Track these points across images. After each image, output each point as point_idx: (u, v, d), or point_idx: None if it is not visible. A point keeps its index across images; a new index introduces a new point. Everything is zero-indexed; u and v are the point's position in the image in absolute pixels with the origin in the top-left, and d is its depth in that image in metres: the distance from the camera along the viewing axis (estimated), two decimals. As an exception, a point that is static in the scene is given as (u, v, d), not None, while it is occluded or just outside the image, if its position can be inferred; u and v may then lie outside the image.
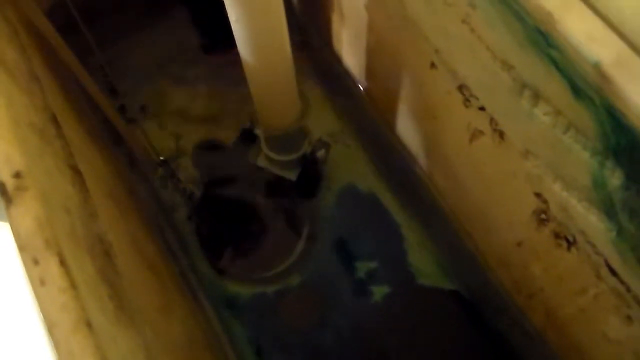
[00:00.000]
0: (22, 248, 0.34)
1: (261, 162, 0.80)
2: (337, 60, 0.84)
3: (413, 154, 0.74)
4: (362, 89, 0.80)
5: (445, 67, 0.55)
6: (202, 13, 0.86)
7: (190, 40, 0.94)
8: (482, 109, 0.52)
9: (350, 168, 0.85)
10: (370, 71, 0.76)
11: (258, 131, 0.79)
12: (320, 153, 0.80)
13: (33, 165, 0.39)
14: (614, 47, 0.36)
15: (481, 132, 0.54)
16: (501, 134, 0.51)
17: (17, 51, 0.54)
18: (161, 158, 0.79)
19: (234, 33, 0.58)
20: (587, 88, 0.38)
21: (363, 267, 0.80)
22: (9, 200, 0.36)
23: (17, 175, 0.36)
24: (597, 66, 0.36)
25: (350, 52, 0.80)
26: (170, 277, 0.71)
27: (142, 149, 0.85)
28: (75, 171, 0.51)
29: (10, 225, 0.36)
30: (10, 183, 0.36)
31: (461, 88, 0.54)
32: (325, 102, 0.88)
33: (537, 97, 0.44)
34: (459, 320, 0.77)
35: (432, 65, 0.57)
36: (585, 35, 0.37)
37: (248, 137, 0.81)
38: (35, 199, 0.36)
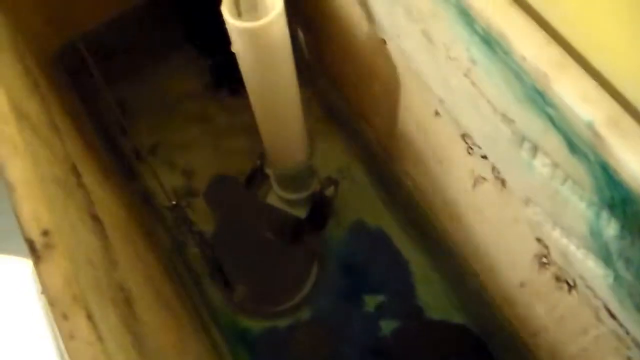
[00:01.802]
0: (52, 303, 0.36)
1: (272, 200, 0.83)
2: (345, 100, 0.86)
3: (419, 192, 0.76)
4: (368, 127, 0.82)
5: (449, 116, 0.57)
6: (212, 53, 0.88)
7: (200, 78, 0.96)
8: (484, 157, 0.54)
9: (358, 204, 0.87)
10: (376, 113, 0.78)
11: (268, 170, 0.81)
12: (329, 191, 0.82)
13: (59, 221, 0.41)
14: (606, 107, 0.38)
15: (484, 179, 0.56)
16: (503, 182, 0.53)
17: (38, 102, 0.56)
18: (173, 202, 0.81)
19: (244, 80, 0.60)
20: (582, 145, 0.40)
21: (372, 301, 0.81)
22: (37, 258, 0.38)
23: (45, 233, 0.39)
24: (590, 125, 0.38)
25: (357, 93, 0.82)
26: (184, 313, 0.73)
27: (154, 188, 0.86)
28: (96, 220, 0.53)
29: (39, 280, 0.38)
30: (38, 241, 0.38)
31: (464, 137, 0.56)
32: (332, 139, 0.90)
33: (536, 149, 0.46)
34: (466, 354, 0.78)
35: (436, 113, 0.59)
36: (579, 95, 0.39)
37: (258, 176, 0.83)
38: (63, 256, 0.38)
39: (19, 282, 0.76)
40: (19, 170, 0.41)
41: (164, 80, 0.97)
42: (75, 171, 0.54)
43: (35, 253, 0.38)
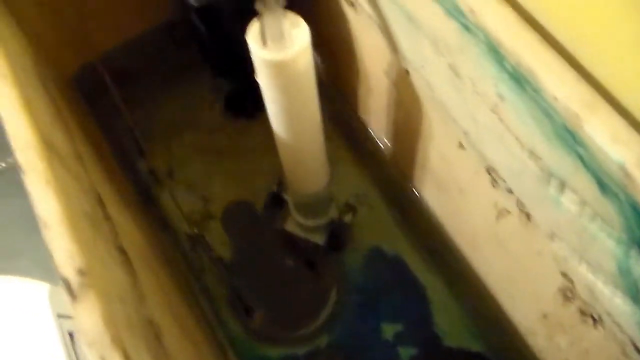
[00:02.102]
0: (90, 344, 0.37)
1: (290, 226, 0.83)
2: (363, 125, 0.86)
3: (439, 220, 0.76)
4: (387, 154, 0.83)
5: (474, 149, 0.57)
6: (229, 77, 0.88)
7: (218, 101, 0.96)
8: (509, 191, 0.54)
9: (376, 230, 0.87)
10: (397, 140, 0.78)
11: (286, 196, 0.81)
12: (347, 217, 0.82)
13: (91, 258, 0.41)
14: (637, 148, 0.38)
15: (508, 212, 0.56)
16: (528, 216, 0.53)
17: (63, 131, 0.56)
18: (195, 231, 0.81)
19: (267, 109, 0.60)
20: (612, 185, 0.40)
21: (390, 329, 0.81)
22: (74, 297, 0.38)
23: (81, 272, 0.39)
24: (621, 166, 0.38)
25: (377, 121, 0.82)
26: (202, 339, 0.73)
27: (172, 212, 0.87)
28: (122, 252, 0.53)
29: (76, 320, 0.38)
30: (74, 280, 0.38)
31: (489, 170, 0.56)
32: (351, 165, 0.90)
33: (563, 186, 0.46)
34: (484, 382, 0.78)
35: (460, 145, 0.59)
36: (610, 136, 0.39)
37: (276, 201, 0.83)
38: (98, 295, 0.38)
39: (35, 304, 0.76)
40: (51, 207, 0.41)
41: (181, 102, 0.98)
42: (100, 202, 0.54)
43: (71, 293, 0.38)
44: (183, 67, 0.95)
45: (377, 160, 0.86)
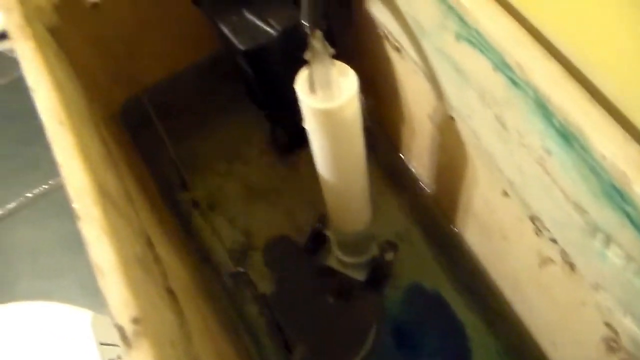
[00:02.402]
0: (143, 394, 0.38)
1: (331, 262, 0.83)
2: (405, 165, 0.87)
3: (480, 260, 0.77)
4: (430, 193, 0.83)
5: (518, 198, 0.57)
6: (274, 115, 0.89)
7: (261, 136, 0.97)
8: (553, 240, 0.55)
9: (416, 266, 0.87)
10: (439, 181, 0.78)
11: (328, 232, 0.82)
12: (389, 255, 0.83)
13: (145, 305, 0.42)
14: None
15: (552, 261, 0.57)
16: (572, 266, 0.54)
17: (114, 173, 0.57)
18: (240, 269, 0.82)
19: (313, 152, 0.61)
20: (659, 243, 0.40)
21: (428, 365, 0.81)
22: (128, 345, 0.39)
23: (135, 321, 0.40)
24: (670, 227, 0.38)
25: (420, 161, 0.82)
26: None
27: (213, 246, 0.88)
28: (170, 293, 0.54)
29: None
30: (129, 328, 0.39)
31: (533, 219, 0.56)
32: (392, 202, 0.90)
33: (609, 240, 0.46)
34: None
35: (505, 193, 0.59)
36: (659, 197, 0.39)
37: (318, 238, 0.84)
38: (152, 344, 0.39)
39: (78, 331, 0.77)
40: (106, 255, 0.42)
41: (225, 136, 0.99)
42: (150, 243, 0.55)
43: (126, 341, 0.39)
44: (227, 102, 0.97)
45: (419, 199, 0.86)
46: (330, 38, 0.52)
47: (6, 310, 0.80)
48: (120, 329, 0.39)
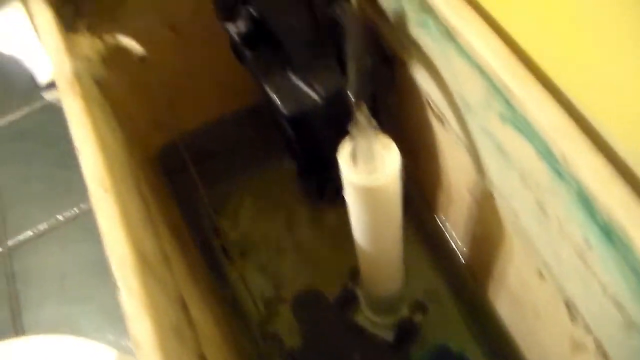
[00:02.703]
0: None
1: (360, 320, 0.83)
2: (440, 227, 0.86)
3: (510, 331, 0.76)
4: (463, 258, 0.83)
5: (554, 281, 0.57)
6: (313, 175, 0.89)
7: (297, 188, 0.97)
8: (587, 328, 0.54)
9: (444, 328, 0.86)
10: (474, 250, 0.78)
11: (359, 291, 0.81)
12: (418, 317, 0.83)
13: (178, 380, 0.42)
14: None
15: (585, 348, 0.56)
16: (605, 355, 0.53)
17: (152, 234, 0.57)
18: (269, 330, 0.82)
19: (351, 221, 0.61)
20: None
21: None
22: None
23: (168, 398, 0.40)
24: None
25: (454, 227, 0.82)
26: None
27: (242, 296, 0.88)
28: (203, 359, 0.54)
29: None
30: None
31: (568, 304, 0.56)
32: (424, 261, 0.90)
33: (646, 337, 0.46)
34: None
35: (540, 274, 0.59)
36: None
37: (349, 296, 0.84)
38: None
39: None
40: (144, 329, 0.42)
41: (259, 184, 0.99)
42: (184, 307, 0.56)
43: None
44: (262, 152, 0.97)
45: (451, 262, 0.86)
46: (374, 106, 0.52)
47: (29, 343, 0.81)
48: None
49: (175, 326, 0.49)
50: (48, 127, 1.14)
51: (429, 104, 0.69)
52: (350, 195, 0.56)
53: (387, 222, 0.59)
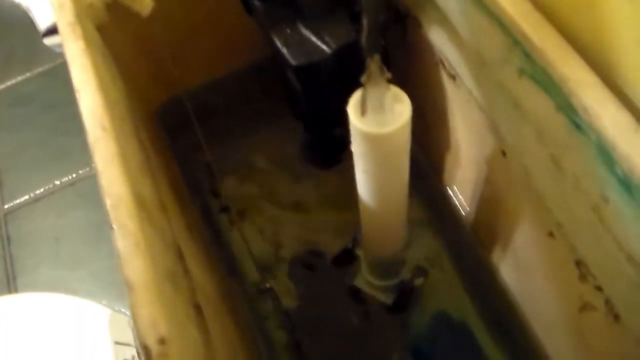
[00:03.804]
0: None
1: (359, 283, 0.81)
2: (445, 191, 0.85)
3: (514, 296, 0.75)
4: (468, 222, 0.81)
5: (565, 240, 0.55)
6: (318, 132, 0.88)
7: (299, 150, 0.95)
8: (598, 288, 0.53)
9: (444, 294, 0.85)
10: (480, 212, 0.76)
11: (359, 252, 0.80)
12: (418, 281, 0.81)
13: (172, 325, 0.40)
14: None
15: (594, 308, 0.54)
16: (616, 316, 0.52)
17: (150, 182, 0.56)
18: (266, 285, 0.81)
19: (356, 176, 0.59)
20: None
21: (449, 397, 0.79)
22: (153, 367, 0.37)
23: (162, 341, 0.38)
24: None
25: (461, 189, 0.81)
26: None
27: (241, 256, 0.86)
28: (198, 309, 0.52)
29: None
30: (155, 349, 0.38)
31: (579, 264, 0.54)
32: (427, 225, 0.88)
33: (662, 297, 0.44)
34: None
35: (551, 234, 0.57)
36: None
37: (348, 257, 0.82)
38: (177, 367, 0.37)
39: (94, 328, 0.76)
40: (139, 271, 0.40)
41: (261, 145, 0.97)
42: (180, 256, 0.54)
43: (149, 360, 0.37)
44: (267, 111, 0.95)
45: (455, 226, 0.84)
46: (386, 62, 0.50)
47: (24, 300, 0.79)
48: (146, 350, 0.38)
49: (172, 272, 0.47)
50: (47, 92, 1.14)
51: (442, 62, 0.67)
52: (357, 147, 0.54)
53: (394, 175, 0.57)
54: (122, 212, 0.43)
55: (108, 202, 0.44)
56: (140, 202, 0.46)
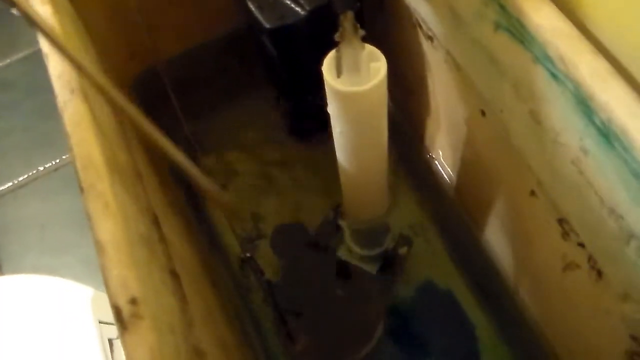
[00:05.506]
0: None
1: (342, 253, 0.81)
2: (427, 156, 0.84)
3: (498, 260, 0.74)
4: (451, 188, 0.81)
5: (547, 198, 0.55)
6: (292, 98, 0.87)
7: (277, 119, 0.94)
8: (581, 245, 0.52)
9: (429, 264, 0.84)
10: (462, 177, 0.76)
11: (342, 222, 0.79)
12: (403, 250, 0.80)
13: (145, 287, 0.39)
14: None
15: (577, 266, 0.54)
16: (599, 273, 0.51)
17: (124, 148, 0.55)
18: (247, 254, 0.80)
19: (334, 138, 0.59)
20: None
21: (435, 365, 0.79)
22: (124, 327, 0.36)
23: (133, 301, 0.37)
24: None
25: (443, 154, 0.80)
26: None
27: (221, 229, 0.86)
28: (174, 276, 0.51)
29: (125, 350, 0.36)
30: (126, 309, 0.37)
31: (561, 221, 0.54)
32: (410, 194, 0.88)
33: (644, 250, 0.43)
34: None
35: (532, 193, 0.57)
36: None
37: (331, 227, 0.81)
38: (149, 327, 0.37)
39: (77, 307, 0.75)
40: (109, 232, 0.39)
41: (240, 116, 0.96)
42: (156, 223, 0.53)
43: (121, 322, 0.37)
44: (244, 81, 0.94)
45: (438, 194, 0.83)
46: (361, 21, 0.49)
47: (8, 282, 0.79)
48: (117, 310, 0.37)
49: (146, 237, 0.46)
50: (29, 77, 1.13)
51: (419, 24, 0.67)
52: (334, 107, 0.54)
53: (372, 135, 0.57)
54: (91, 172, 0.42)
55: (78, 163, 0.42)
56: (112, 165, 0.45)
